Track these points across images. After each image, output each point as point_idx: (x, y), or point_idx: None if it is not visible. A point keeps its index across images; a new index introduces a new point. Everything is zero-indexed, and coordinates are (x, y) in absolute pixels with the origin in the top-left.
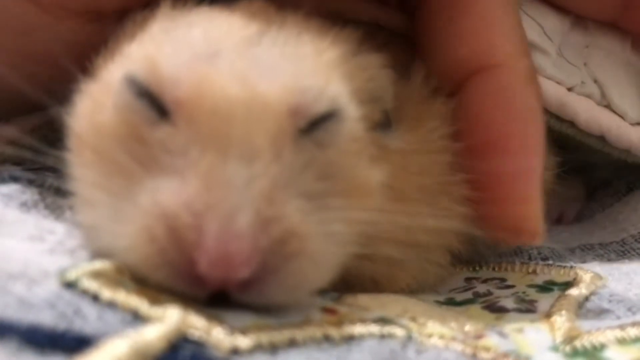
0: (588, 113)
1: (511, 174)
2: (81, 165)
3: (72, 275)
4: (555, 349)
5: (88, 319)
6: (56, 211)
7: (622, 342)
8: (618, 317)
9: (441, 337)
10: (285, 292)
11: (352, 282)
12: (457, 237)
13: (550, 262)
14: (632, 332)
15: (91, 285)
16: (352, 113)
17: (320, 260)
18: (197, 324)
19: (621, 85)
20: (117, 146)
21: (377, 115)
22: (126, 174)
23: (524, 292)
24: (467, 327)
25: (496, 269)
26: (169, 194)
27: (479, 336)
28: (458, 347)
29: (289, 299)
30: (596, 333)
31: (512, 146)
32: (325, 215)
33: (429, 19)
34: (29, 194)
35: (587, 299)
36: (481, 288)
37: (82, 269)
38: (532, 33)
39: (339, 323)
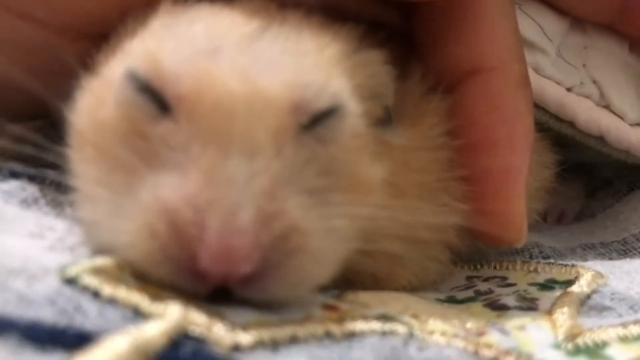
0: (587, 113)
1: (497, 171)
2: (82, 161)
3: (72, 271)
4: (557, 346)
5: (89, 315)
6: (57, 208)
7: (624, 340)
8: (620, 315)
9: (443, 334)
10: (286, 288)
11: (352, 279)
12: (457, 233)
13: (552, 260)
14: (634, 330)
15: (92, 281)
16: (353, 109)
17: (322, 256)
18: (198, 321)
19: (620, 86)
20: (118, 142)
21: (378, 111)
22: (127, 169)
23: (525, 291)
24: (469, 325)
25: (497, 267)
26: (170, 189)
27: (480, 333)
28: (460, 344)
29: (290, 295)
30: (598, 331)
31: (499, 147)
32: (326, 211)
33: (428, 19)
34: (30, 191)
35: (588, 297)
36: (482, 286)
37: (83, 265)
38: (532, 33)
39: (341, 320)
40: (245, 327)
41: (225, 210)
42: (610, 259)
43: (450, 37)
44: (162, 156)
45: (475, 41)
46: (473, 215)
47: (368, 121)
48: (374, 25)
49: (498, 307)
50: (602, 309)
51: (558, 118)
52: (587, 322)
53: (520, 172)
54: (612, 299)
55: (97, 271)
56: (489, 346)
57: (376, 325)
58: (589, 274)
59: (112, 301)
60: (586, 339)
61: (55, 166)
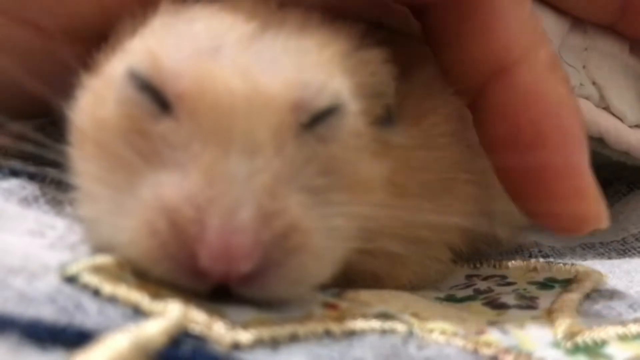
0: (587, 115)
1: (559, 170)
2: (83, 159)
3: (72, 269)
4: (556, 345)
5: (89, 313)
6: (57, 206)
7: (623, 338)
8: (619, 314)
9: (442, 332)
10: (286, 287)
11: (353, 277)
12: (458, 233)
13: (551, 259)
14: (634, 328)
15: (92, 279)
16: (354, 108)
17: (322, 254)
18: (198, 319)
19: (620, 88)
20: (119, 140)
21: (379, 110)
22: (128, 167)
23: (524, 289)
24: (468, 323)
25: (497, 266)
26: (170, 187)
27: (480, 332)
28: (459, 342)
29: (291, 294)
30: (597, 329)
31: (553, 142)
32: (327, 210)
33: (437, 25)
34: (30, 189)
35: (588, 296)
36: (482, 285)
37: (83, 263)
38: None
39: (341, 318)
40: (245, 326)
41: (225, 209)
42: (610, 258)
43: (465, 39)
44: (163, 154)
45: (492, 36)
46: (543, 217)
47: (369, 120)
48: (375, 24)
49: (498, 306)
50: (601, 308)
51: None
52: (586, 320)
53: (583, 164)
54: (611, 298)
55: (98, 269)
56: (488, 345)
57: (376, 323)
58: (589, 273)
59: (112, 299)
60: (585, 338)
61: (55, 164)
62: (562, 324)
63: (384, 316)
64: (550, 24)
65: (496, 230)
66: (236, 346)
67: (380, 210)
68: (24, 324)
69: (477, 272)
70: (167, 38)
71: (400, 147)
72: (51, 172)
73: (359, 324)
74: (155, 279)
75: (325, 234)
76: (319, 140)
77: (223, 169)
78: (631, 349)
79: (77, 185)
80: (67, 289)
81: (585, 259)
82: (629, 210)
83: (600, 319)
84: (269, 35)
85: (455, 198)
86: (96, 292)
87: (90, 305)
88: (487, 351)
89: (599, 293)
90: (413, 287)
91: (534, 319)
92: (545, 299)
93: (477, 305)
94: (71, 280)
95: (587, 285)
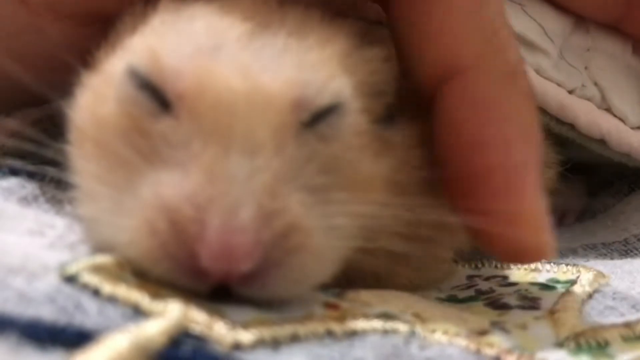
0: (588, 116)
1: (497, 188)
2: (82, 158)
3: (72, 269)
4: (559, 345)
5: (89, 313)
6: (56, 205)
7: (626, 338)
8: (622, 315)
9: (445, 332)
10: (287, 286)
11: (354, 277)
12: (460, 232)
13: (553, 260)
14: (637, 329)
15: (92, 279)
16: (355, 107)
17: (323, 254)
18: (199, 319)
19: (622, 89)
20: (118, 139)
21: (380, 109)
22: (128, 166)
23: (526, 290)
24: (470, 324)
25: (498, 266)
26: (170, 186)
27: (482, 332)
28: (462, 342)
29: (291, 293)
30: (600, 330)
31: (492, 148)
32: (327, 209)
33: (396, 21)
34: (29, 188)
35: (590, 296)
36: (483, 285)
37: (83, 263)
38: (533, 33)
39: (342, 318)
40: (245, 326)
41: (225, 208)
42: (612, 259)
43: (420, 39)
44: (163, 153)
45: (445, 40)
46: (480, 221)
47: (369, 118)
48: (375, 22)
49: (499, 306)
50: (604, 309)
51: (559, 120)
52: (589, 321)
53: (526, 183)
54: (613, 299)
55: (97, 269)
56: (491, 345)
57: (377, 323)
58: (591, 273)
59: (112, 299)
60: (588, 338)
61: (55, 163)
62: (565, 325)
63: (385, 316)
64: (552, 24)
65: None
66: (237, 346)
67: (382, 209)
68: (24, 324)
69: (478, 272)
70: (168, 36)
71: (400, 146)
72: (50, 171)
73: (360, 324)
74: (155, 278)
75: (326, 233)
76: (319, 139)
77: (223, 168)
78: (634, 349)
79: (77, 184)
80: (67, 289)
81: (587, 260)
82: (631, 210)
83: (603, 319)
84: (269, 34)
85: None
86: (96, 292)
87: (90, 305)
88: (489, 351)
89: (602, 294)
90: (415, 286)
91: (537, 319)
92: (547, 299)
93: (478, 305)
94: (71, 280)
95: (590, 286)
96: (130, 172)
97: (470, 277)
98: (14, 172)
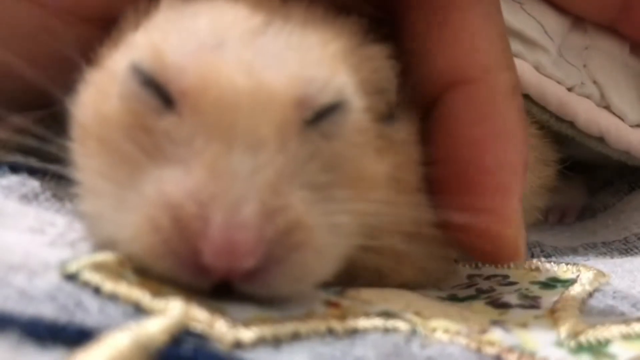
0: (588, 113)
1: (487, 191)
2: (85, 155)
3: (72, 267)
4: (559, 344)
5: (89, 311)
6: (57, 203)
7: (627, 337)
8: (622, 313)
9: (445, 331)
10: (289, 283)
11: (356, 274)
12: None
13: (553, 259)
14: (637, 327)
15: (92, 277)
16: (358, 104)
17: (325, 251)
18: (200, 317)
19: (620, 88)
20: (121, 135)
21: (382, 106)
22: (131, 163)
23: (527, 289)
24: (471, 322)
25: (498, 266)
26: (173, 183)
27: (483, 331)
28: (463, 341)
29: (293, 290)
30: (601, 328)
31: (486, 164)
32: (330, 206)
33: (409, 26)
34: (30, 186)
35: (590, 295)
36: (484, 285)
37: (83, 261)
38: (533, 31)
39: (343, 316)
40: (247, 324)
41: (228, 205)
42: (612, 258)
43: (431, 46)
44: (166, 150)
45: (458, 50)
46: (462, 234)
47: (372, 116)
48: (378, 19)
49: (500, 305)
50: (604, 307)
51: (558, 118)
52: (589, 320)
53: (512, 190)
54: (614, 297)
55: (98, 267)
56: (491, 344)
57: (378, 322)
58: (591, 272)
59: (113, 297)
60: (589, 337)
61: (57, 159)
62: (566, 323)
63: (386, 315)
64: (552, 23)
65: None
66: (238, 345)
67: (384, 207)
68: (24, 322)
69: (478, 271)
70: (171, 33)
71: (403, 144)
72: (52, 168)
73: (361, 322)
74: (157, 276)
75: (328, 231)
76: (322, 136)
77: (226, 165)
78: (635, 348)
79: (79, 180)
80: (68, 287)
81: (588, 259)
82: (631, 209)
83: (603, 318)
84: (272, 31)
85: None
86: (97, 290)
87: (91, 303)
88: (490, 350)
89: (602, 292)
90: (416, 284)
91: (537, 318)
92: (547, 298)
93: (479, 304)
94: (71, 278)
95: (590, 285)
96: (133, 168)
97: (470, 276)
98: (14, 170)
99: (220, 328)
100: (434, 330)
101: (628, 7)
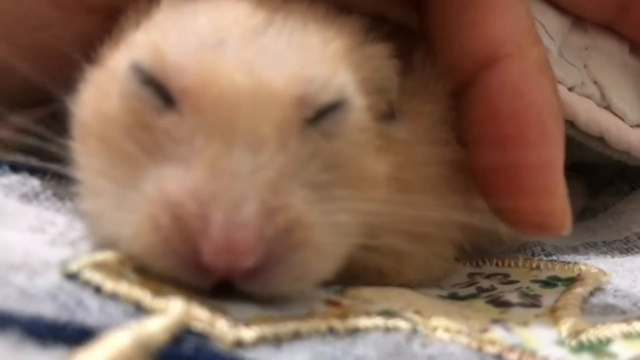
0: (588, 113)
1: (532, 165)
2: (86, 154)
3: (73, 266)
4: (560, 343)
5: (90, 310)
6: (57, 202)
7: (628, 336)
8: (623, 312)
9: (446, 330)
10: (289, 282)
11: (357, 274)
12: (462, 229)
13: (554, 258)
14: (638, 326)
15: (93, 276)
16: (358, 103)
17: (325, 250)
18: (201, 316)
19: (621, 88)
20: (122, 134)
21: (383, 106)
22: (131, 162)
23: (527, 288)
24: (472, 321)
25: (499, 264)
26: (174, 182)
27: (483, 330)
28: (464, 340)
29: (294, 289)
30: (602, 327)
31: (531, 138)
32: (330, 205)
33: (435, 12)
34: (30, 185)
35: (591, 294)
36: (484, 283)
37: (84, 260)
38: None
39: (343, 315)
40: (247, 323)
41: (229, 204)
42: (613, 257)
43: (461, 28)
44: (166, 149)
45: (489, 28)
46: (507, 213)
47: (372, 115)
48: (379, 18)
49: (501, 304)
50: (605, 306)
51: None
52: (590, 319)
53: (557, 162)
54: (615, 296)
55: (99, 266)
56: (492, 342)
57: (379, 321)
58: (592, 271)
59: (113, 296)
60: (590, 336)
61: (57, 158)
62: (567, 322)
63: (387, 314)
64: (552, 23)
65: (499, 228)
66: (239, 344)
67: (384, 206)
68: (25, 321)
69: (479, 270)
70: (171, 32)
71: (403, 143)
72: (52, 167)
73: (362, 321)
74: (157, 276)
75: (329, 230)
76: (323, 135)
77: (226, 163)
78: (636, 347)
79: (80, 179)
80: (68, 286)
81: (589, 258)
82: (632, 209)
83: (604, 317)
84: (273, 30)
85: (458, 194)
86: (97, 289)
87: (92, 302)
88: (491, 349)
89: (603, 291)
90: (417, 283)
91: (538, 317)
92: (548, 297)
93: (480, 303)
94: (72, 277)
95: (591, 284)
96: (134, 167)
97: (471, 275)
98: (14, 169)
99: (221, 327)
100: (434, 329)
101: (627, 6)
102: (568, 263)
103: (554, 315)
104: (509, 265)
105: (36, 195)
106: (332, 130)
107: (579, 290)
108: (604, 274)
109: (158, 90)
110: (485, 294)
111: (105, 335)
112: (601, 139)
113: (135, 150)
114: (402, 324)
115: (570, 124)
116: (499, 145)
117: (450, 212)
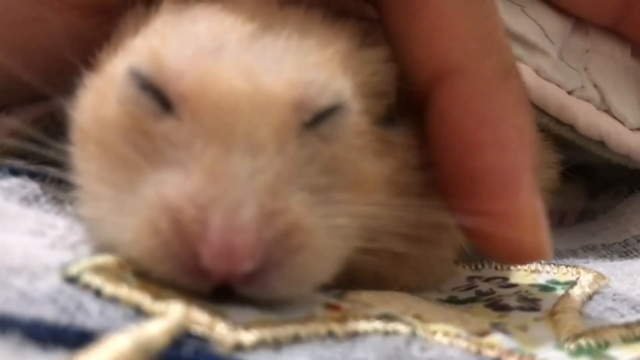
0: (588, 117)
1: (491, 186)
2: (85, 159)
3: (73, 270)
4: (559, 347)
5: (90, 314)
6: (57, 205)
7: (626, 340)
8: (622, 316)
9: (445, 334)
10: (289, 286)
11: (356, 277)
12: (460, 232)
13: (553, 261)
14: (637, 330)
15: (93, 280)
16: (356, 107)
17: (324, 254)
18: (200, 320)
19: (621, 91)
20: (121, 139)
21: (381, 109)
22: (130, 167)
23: (526, 291)
24: (471, 325)
25: (498, 268)
26: (173, 186)
27: (483, 334)
28: (462, 344)
29: (293, 293)
30: (601, 331)
31: (488, 159)
32: (329, 209)
33: (388, 21)
34: (30, 188)
35: (590, 297)
36: (483, 287)
37: (84, 263)
38: (533, 34)
39: (343, 319)
40: (247, 327)
41: (227, 208)
42: (612, 260)
43: (411, 39)
44: (165, 154)
45: (437, 40)
46: (477, 222)
47: (371, 119)
48: (375, 23)
49: (500, 308)
50: (604, 310)
51: (558, 121)
52: (589, 322)
53: (519, 183)
54: (614, 300)
55: (99, 270)
56: (491, 346)
57: (379, 325)
58: (591, 275)
59: (113, 300)
60: (589, 339)
61: (56, 163)
62: (565, 326)
63: (386, 317)
64: (552, 25)
65: None
66: (239, 347)
67: (382, 210)
68: (25, 324)
69: (478, 273)
70: (169, 37)
71: (401, 147)
72: (52, 170)
73: (361, 325)
74: (157, 279)
75: (328, 233)
76: (321, 139)
77: (225, 168)
78: (634, 350)
79: (79, 184)
80: (69, 289)
81: (587, 261)
82: (631, 212)
83: (603, 321)
84: (270, 35)
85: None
86: (97, 293)
87: (92, 305)
88: (490, 353)
89: (602, 295)
90: (416, 287)
91: (537, 320)
92: (547, 300)
93: (479, 307)
94: (72, 280)
95: (590, 287)
96: (133, 172)
97: (470, 279)
98: (14, 172)
99: (220, 331)
100: (434, 333)
101: (629, 8)
102: (567, 266)
103: (553, 319)
104: (508, 269)
105: (36, 198)
106: (331, 133)
107: (578, 294)
108: (603, 277)
109: (156, 95)
110: (484, 298)
111: (106, 338)
112: (601, 143)
113: (134, 155)
114: (401, 327)
115: (569, 127)
116: (456, 171)
117: (449, 216)
